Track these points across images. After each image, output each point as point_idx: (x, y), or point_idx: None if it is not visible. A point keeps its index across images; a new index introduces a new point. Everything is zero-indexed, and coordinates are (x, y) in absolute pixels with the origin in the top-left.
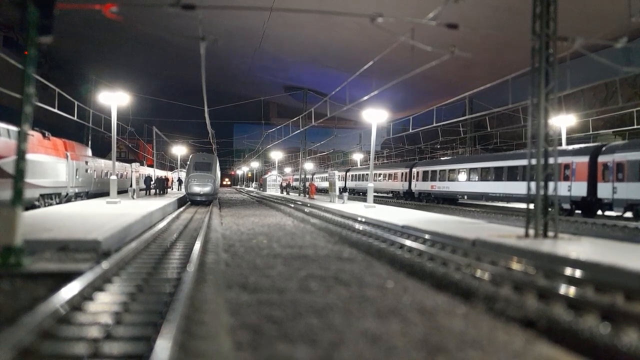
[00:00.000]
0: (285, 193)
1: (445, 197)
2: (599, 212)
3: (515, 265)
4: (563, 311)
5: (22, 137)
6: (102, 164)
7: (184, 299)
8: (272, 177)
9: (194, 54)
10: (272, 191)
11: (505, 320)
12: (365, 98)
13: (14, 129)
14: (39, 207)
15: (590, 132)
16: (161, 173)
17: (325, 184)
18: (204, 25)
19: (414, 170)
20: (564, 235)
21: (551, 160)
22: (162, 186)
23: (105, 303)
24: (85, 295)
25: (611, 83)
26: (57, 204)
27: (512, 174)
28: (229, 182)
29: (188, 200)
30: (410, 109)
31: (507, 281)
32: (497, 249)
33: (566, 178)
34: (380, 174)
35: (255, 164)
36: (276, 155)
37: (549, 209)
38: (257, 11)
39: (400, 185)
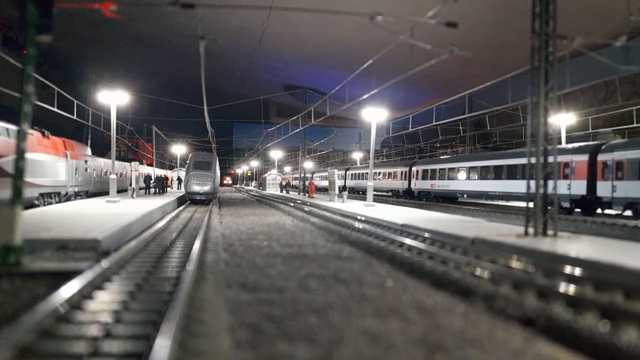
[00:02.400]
0: (285, 192)
1: (445, 195)
2: (599, 211)
3: (515, 264)
4: (562, 309)
5: (21, 136)
6: (102, 163)
7: (184, 298)
8: (272, 176)
9: (193, 53)
10: (272, 190)
11: (504, 319)
12: (365, 97)
13: (13, 128)
14: (38, 206)
15: (590, 131)
16: (161, 172)
17: (325, 183)
18: (203, 24)
19: (414, 169)
20: (564, 234)
21: (551, 159)
22: (161, 185)
23: (104, 302)
24: (85, 294)
25: (611, 82)
26: (56, 203)
27: (511, 173)
28: (230, 182)
29: (188, 199)
30: (410, 107)
31: (507, 279)
32: (496, 248)
33: (566, 176)
34: (380, 173)
35: (255, 163)
36: (276, 154)
37: (549, 208)
38: (256, 10)
39: (399, 184)
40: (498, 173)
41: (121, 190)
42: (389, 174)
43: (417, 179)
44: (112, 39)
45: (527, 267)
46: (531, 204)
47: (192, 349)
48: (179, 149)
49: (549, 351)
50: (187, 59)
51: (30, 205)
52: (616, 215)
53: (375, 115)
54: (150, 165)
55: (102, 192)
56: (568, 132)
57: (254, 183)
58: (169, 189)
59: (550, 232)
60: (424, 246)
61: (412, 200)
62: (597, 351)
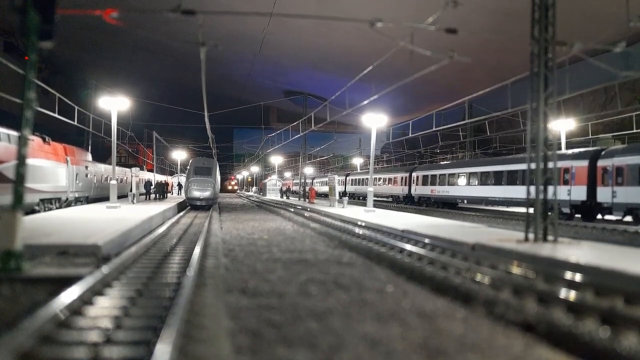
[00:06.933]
0: (285, 197)
1: (445, 201)
2: (599, 216)
3: (515, 269)
4: (563, 315)
5: (22, 142)
6: (102, 168)
7: (184, 303)
8: (272, 181)
9: (194, 58)
10: (272, 196)
11: (504, 324)
12: (365, 102)
13: (14, 133)
14: (39, 211)
15: (590, 137)
16: (161, 178)
17: (325, 189)
18: (204, 30)
19: (414, 174)
20: (564, 239)
21: (550, 165)
22: (162, 191)
23: (105, 307)
24: (85, 300)
25: (610, 87)
26: (57, 208)
27: (511, 179)
28: (236, 187)
29: (188, 205)
30: (410, 113)
31: (507, 285)
32: (496, 253)
33: (566, 182)
34: (380, 179)
35: (255, 169)
36: (276, 159)
37: (549, 213)
38: (257, 16)
39: (400, 190)
40: (498, 179)
41: (121, 196)
42: (389, 179)
43: (417, 184)
44: (113, 45)
45: (528, 272)
46: (531, 210)
47: (192, 354)
48: (179, 155)
49: (549, 356)
50: (187, 65)
51: (30, 211)
52: (616, 221)
53: (375, 121)
54: (151, 171)
55: (103, 198)
56: (568, 138)
57: (254, 189)
58: (169, 194)
59: (550, 237)
60: (424, 252)
61: (412, 206)
62: (598, 357)
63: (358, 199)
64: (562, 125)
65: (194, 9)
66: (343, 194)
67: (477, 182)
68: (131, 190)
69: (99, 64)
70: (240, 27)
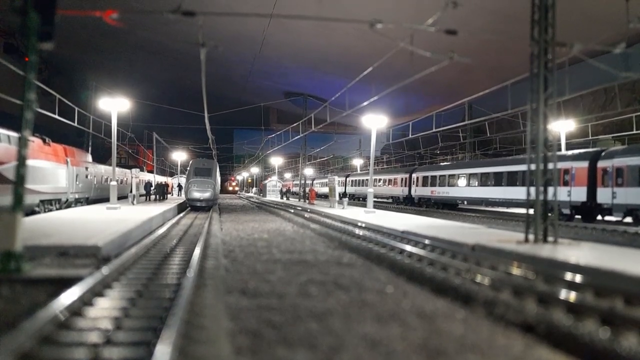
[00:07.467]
0: (285, 198)
1: (445, 202)
2: (599, 217)
3: (515, 270)
4: (563, 316)
5: (22, 143)
6: (102, 169)
7: (184, 304)
8: (272, 182)
9: (194, 60)
10: (272, 197)
11: (504, 325)
12: (365, 104)
13: (14, 134)
14: (39, 212)
15: (590, 138)
16: (161, 179)
17: (325, 190)
18: (204, 31)
19: (414, 175)
20: (564, 240)
21: (550, 166)
22: (162, 192)
23: (105, 308)
24: (85, 301)
25: (610, 88)
26: (57, 209)
27: (511, 180)
28: (237, 189)
29: (188, 206)
30: (410, 114)
31: (507, 286)
32: (496, 254)
33: (566, 183)
34: (380, 180)
35: (255, 170)
36: (276, 160)
37: (549, 214)
38: (257, 17)
39: (400, 191)
40: (498, 180)
41: (121, 197)
42: (389, 180)
43: (417, 185)
44: (113, 45)
45: (528, 273)
46: (531, 211)
47: (192, 355)
48: (179, 156)
49: (549, 357)
50: (187, 66)
51: (31, 212)
52: (616, 222)
53: (375, 122)
54: (151, 172)
55: (103, 199)
56: (568, 139)
57: (254, 190)
58: (169, 195)
59: (550, 238)
60: (424, 253)
61: (412, 207)
62: (598, 357)
63: (358, 200)
64: (562, 126)
65: (194, 10)
66: (343, 195)
67: (477, 183)
68: (131, 191)
69: (99, 65)
70: (240, 28)
